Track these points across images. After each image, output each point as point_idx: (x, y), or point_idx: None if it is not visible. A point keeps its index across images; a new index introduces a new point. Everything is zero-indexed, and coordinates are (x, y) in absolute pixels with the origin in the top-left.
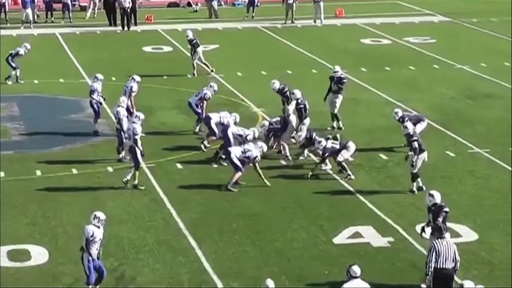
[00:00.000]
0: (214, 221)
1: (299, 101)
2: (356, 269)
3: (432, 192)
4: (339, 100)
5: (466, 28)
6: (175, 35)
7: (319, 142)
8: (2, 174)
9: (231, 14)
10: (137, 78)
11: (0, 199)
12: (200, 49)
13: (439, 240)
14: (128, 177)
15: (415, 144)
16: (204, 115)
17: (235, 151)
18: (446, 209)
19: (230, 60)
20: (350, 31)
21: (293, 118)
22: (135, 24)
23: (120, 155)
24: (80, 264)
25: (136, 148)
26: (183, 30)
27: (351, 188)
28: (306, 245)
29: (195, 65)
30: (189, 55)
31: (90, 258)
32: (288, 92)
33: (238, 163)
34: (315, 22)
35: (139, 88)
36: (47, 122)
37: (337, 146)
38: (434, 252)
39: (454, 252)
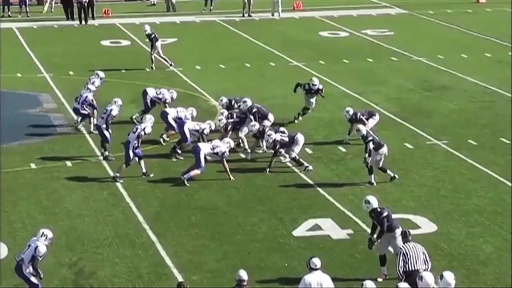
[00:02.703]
0: (174, 214)
1: (252, 109)
2: (316, 261)
3: (367, 198)
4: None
5: (423, 20)
6: (133, 29)
7: (269, 135)
8: None
9: (188, 7)
10: (101, 74)
11: None
12: (159, 43)
13: (406, 244)
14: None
15: (371, 145)
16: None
17: (205, 148)
18: (385, 213)
19: (189, 53)
20: (308, 24)
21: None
22: (93, 18)
23: (106, 153)
24: None
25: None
26: (141, 24)
27: (310, 181)
28: (266, 237)
29: (153, 59)
30: (148, 49)
31: (33, 273)
32: (237, 104)
33: (203, 162)
34: (273, 15)
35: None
36: (4, 117)
37: (286, 139)
38: (401, 256)
39: (424, 254)
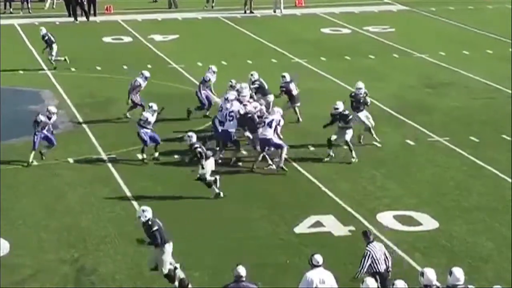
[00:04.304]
0: (175, 211)
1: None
2: (318, 258)
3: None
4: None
5: (424, 17)
6: (135, 25)
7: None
8: None
9: (190, 4)
10: (146, 74)
11: None
12: (55, 46)
13: (371, 245)
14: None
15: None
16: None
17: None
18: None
19: (190, 50)
20: (310, 20)
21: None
22: (95, 14)
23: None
24: (40, 255)
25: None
26: (143, 21)
27: (311, 177)
28: (267, 234)
29: (52, 61)
30: (150, 45)
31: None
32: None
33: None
34: (275, 12)
35: (101, 80)
36: (6, 113)
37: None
38: (370, 259)
39: (385, 253)
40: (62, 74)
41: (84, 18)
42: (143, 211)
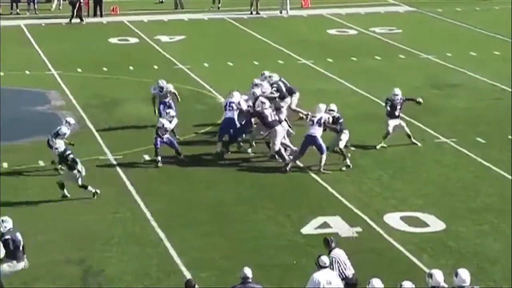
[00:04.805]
0: (182, 212)
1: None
2: (325, 259)
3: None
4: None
5: (431, 17)
6: (141, 26)
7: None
8: None
9: (196, 5)
10: (162, 84)
11: None
12: None
13: (334, 251)
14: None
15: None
16: None
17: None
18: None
19: (197, 51)
20: (316, 21)
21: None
22: (101, 15)
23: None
24: (47, 256)
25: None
26: (149, 21)
27: (318, 179)
28: (274, 235)
29: None
30: (156, 46)
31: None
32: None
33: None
34: (281, 12)
35: (107, 80)
36: (12, 114)
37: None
38: (336, 264)
39: (347, 259)
40: (68, 74)
41: (92, 19)
42: (3, 221)
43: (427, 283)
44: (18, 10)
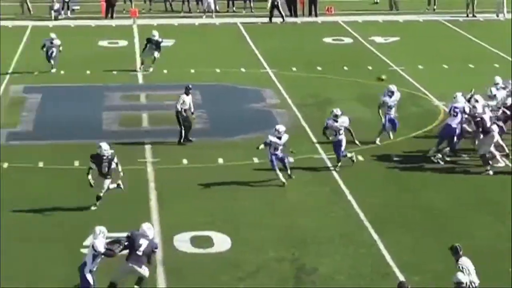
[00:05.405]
0: (395, 213)
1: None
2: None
3: None
4: None
5: None
6: (356, 26)
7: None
8: (185, 161)
9: (411, 6)
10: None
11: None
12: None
13: (461, 260)
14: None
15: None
16: None
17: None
18: None
19: (411, 53)
20: None
21: None
22: (316, 15)
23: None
24: (261, 253)
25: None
26: (363, 22)
27: None
28: (489, 242)
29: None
30: (369, 47)
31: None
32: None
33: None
34: (497, 16)
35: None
36: (228, 111)
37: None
38: (467, 272)
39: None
40: (283, 73)
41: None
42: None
43: None
44: (234, 8)
